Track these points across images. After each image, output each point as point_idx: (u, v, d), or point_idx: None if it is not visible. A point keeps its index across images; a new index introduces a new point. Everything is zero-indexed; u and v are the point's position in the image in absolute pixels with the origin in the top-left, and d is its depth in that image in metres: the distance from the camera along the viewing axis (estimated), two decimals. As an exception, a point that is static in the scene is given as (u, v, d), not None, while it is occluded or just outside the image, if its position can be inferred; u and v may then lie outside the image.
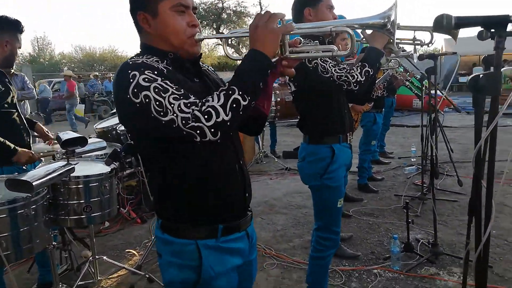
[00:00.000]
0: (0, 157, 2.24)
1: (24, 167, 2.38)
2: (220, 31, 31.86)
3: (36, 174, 1.65)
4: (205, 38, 1.28)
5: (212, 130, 1.02)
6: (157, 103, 1.04)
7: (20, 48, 2.45)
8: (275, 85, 5.48)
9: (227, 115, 1.03)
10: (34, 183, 1.59)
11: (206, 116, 1.02)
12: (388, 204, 4.26)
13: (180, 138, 1.06)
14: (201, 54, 1.30)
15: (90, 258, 2.76)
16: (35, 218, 1.76)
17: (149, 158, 1.25)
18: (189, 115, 1.02)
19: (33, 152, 2.32)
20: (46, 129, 2.66)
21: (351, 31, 1.16)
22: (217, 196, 1.23)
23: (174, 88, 1.07)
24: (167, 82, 1.07)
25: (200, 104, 1.04)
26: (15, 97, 2.43)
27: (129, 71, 1.08)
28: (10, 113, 2.36)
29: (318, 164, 2.05)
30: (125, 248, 3.50)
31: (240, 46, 33.47)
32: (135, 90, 1.05)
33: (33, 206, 1.74)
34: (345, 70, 1.88)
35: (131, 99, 1.06)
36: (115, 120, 3.08)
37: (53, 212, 2.04)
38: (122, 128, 2.77)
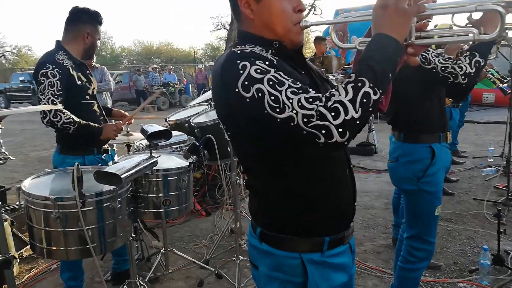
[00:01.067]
0: (82, 145, 2.28)
1: (102, 157, 2.42)
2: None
3: (123, 167, 1.61)
4: (312, 25, 1.12)
5: (340, 129, 0.86)
6: (272, 97, 0.91)
7: (99, 40, 2.46)
8: (339, 76, 5.25)
9: (356, 112, 0.86)
10: (122, 176, 1.55)
11: (333, 113, 0.86)
12: (467, 209, 3.91)
13: (296, 139, 0.93)
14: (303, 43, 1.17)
15: (162, 250, 2.76)
16: (120, 211, 1.74)
17: (252, 159, 1.13)
18: (312, 112, 0.87)
19: (114, 123, 2.34)
20: (123, 111, 2.69)
21: (502, 10, 0.95)
22: (327, 205, 1.10)
23: (290, 81, 0.93)
24: (281, 74, 0.94)
25: (324, 99, 0.89)
26: (95, 88, 2.46)
27: (238, 61, 0.97)
28: (91, 104, 2.39)
29: (415, 165, 1.85)
30: (191, 241, 3.51)
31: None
32: (246, 83, 0.94)
33: (119, 199, 1.72)
34: (451, 61, 1.66)
35: (241, 93, 0.95)
36: (187, 112, 3.05)
37: (133, 205, 2.02)
38: (196, 120, 2.71)
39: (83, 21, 2.34)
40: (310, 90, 0.93)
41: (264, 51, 1.03)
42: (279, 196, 1.09)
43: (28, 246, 3.33)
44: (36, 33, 72.02)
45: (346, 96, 0.87)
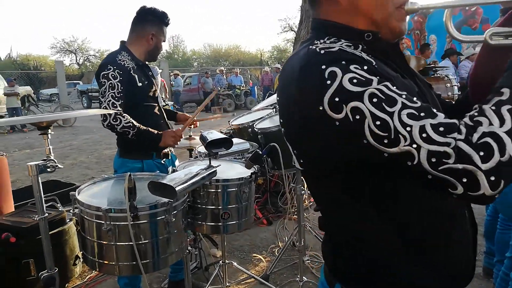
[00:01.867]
0: (140, 149, 2.20)
1: (162, 162, 2.31)
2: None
3: (178, 178, 1.45)
4: (421, 9, 0.80)
5: (492, 178, 0.57)
6: (378, 122, 0.64)
7: (164, 41, 2.36)
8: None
9: None
10: (177, 188, 1.38)
11: (482, 153, 0.58)
12: None
13: (410, 183, 0.67)
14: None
15: (220, 262, 2.61)
16: (175, 225, 1.59)
17: (331, 193, 0.83)
18: (446, 149, 0.60)
19: (174, 130, 2.23)
20: (188, 115, 2.58)
21: None
22: (445, 255, 0.79)
23: (404, 97, 0.65)
24: (388, 85, 0.66)
25: (464, 129, 0.60)
26: (157, 90, 2.36)
27: (323, 66, 0.69)
28: (152, 106, 2.30)
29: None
30: (251, 251, 3.33)
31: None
32: (337, 99, 0.67)
33: (174, 212, 1.56)
34: None
35: (327, 112, 0.68)
36: (251, 117, 2.86)
37: (190, 216, 1.87)
38: (260, 126, 2.51)
39: (148, 22, 2.26)
40: (436, 111, 0.64)
41: (352, 47, 0.76)
42: (372, 246, 0.80)
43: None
44: (117, 38, 77.67)
45: (501, 126, 0.58)
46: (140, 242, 1.49)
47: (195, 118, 2.46)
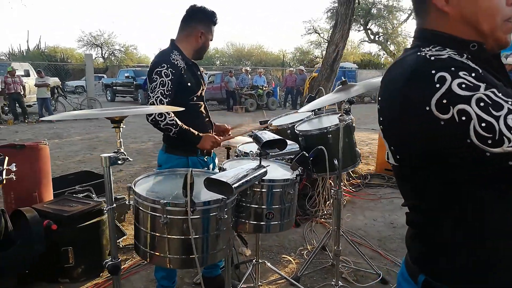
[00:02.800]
0: (186, 146, 2.24)
1: (205, 159, 2.35)
2: (368, 27, 30.48)
3: (234, 176, 1.48)
4: None
5: None
6: (483, 124, 0.70)
7: (212, 40, 2.39)
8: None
9: None
10: (234, 186, 1.41)
11: None
12: None
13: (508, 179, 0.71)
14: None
15: (254, 261, 2.64)
16: (226, 222, 1.61)
17: (432, 194, 0.87)
18: None
19: (215, 136, 2.26)
20: (227, 125, 2.61)
21: None
22: None
23: (510, 103, 0.70)
24: (495, 91, 0.71)
25: None
26: (204, 90, 2.40)
27: (433, 71, 0.75)
28: (198, 105, 2.34)
29: None
30: (279, 252, 3.34)
31: (388, 43, 31.53)
32: (444, 101, 0.73)
33: (226, 209, 1.59)
34: None
35: (433, 113, 0.74)
36: (289, 118, 2.88)
37: (235, 215, 1.89)
38: (301, 128, 2.52)
39: (197, 20, 2.30)
40: None
41: (457, 55, 0.80)
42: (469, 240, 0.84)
43: (125, 236, 3.46)
44: (141, 34, 79.00)
45: None
46: (191, 236, 1.52)
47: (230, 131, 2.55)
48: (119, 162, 1.34)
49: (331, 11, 29.19)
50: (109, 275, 2.89)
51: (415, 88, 0.77)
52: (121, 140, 1.39)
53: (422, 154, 0.82)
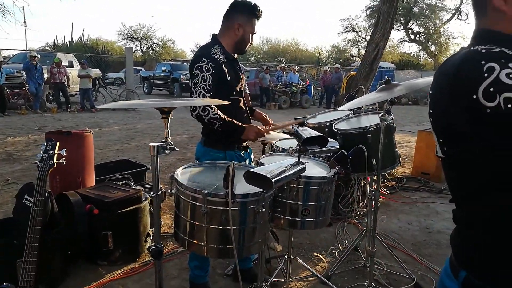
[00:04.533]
0: (225, 140, 2.28)
1: (241, 154, 2.38)
2: (408, 26, 29.56)
3: (273, 171, 1.50)
4: None
5: None
6: None
7: (253, 33, 2.36)
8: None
9: None
10: (273, 180, 1.43)
11: None
12: None
13: None
14: None
15: (286, 257, 2.66)
16: (263, 215, 1.64)
17: (478, 185, 0.88)
18: None
19: (259, 127, 2.28)
20: (265, 114, 2.62)
21: None
22: None
23: None
24: None
25: None
26: (243, 85, 2.42)
27: (482, 62, 0.77)
28: (238, 100, 2.36)
29: None
30: (310, 250, 3.34)
31: (429, 43, 30.46)
32: (491, 89, 0.75)
33: (264, 203, 1.62)
34: None
35: (479, 100, 0.77)
36: (326, 116, 2.86)
37: (271, 209, 1.91)
38: (339, 126, 2.50)
39: (237, 12, 2.29)
40: None
41: (511, 51, 0.80)
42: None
43: (161, 224, 3.57)
44: (179, 28, 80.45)
45: None
46: (229, 227, 1.56)
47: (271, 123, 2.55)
48: (166, 151, 1.39)
49: (371, 9, 28.55)
50: (144, 260, 3.01)
51: (463, 77, 0.80)
52: (169, 130, 1.43)
53: (469, 143, 0.84)
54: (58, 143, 1.94)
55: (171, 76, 19.91)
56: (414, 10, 28.38)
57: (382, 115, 2.18)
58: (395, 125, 2.50)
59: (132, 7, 78.48)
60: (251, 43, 2.39)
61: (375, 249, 2.48)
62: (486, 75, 0.76)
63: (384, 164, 2.33)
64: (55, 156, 1.89)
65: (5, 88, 11.59)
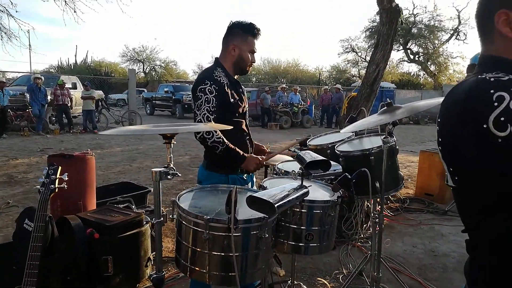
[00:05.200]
0: (227, 164, 2.26)
1: (244, 177, 2.37)
2: (408, 46, 29.95)
3: (275, 195, 1.48)
4: None
5: None
6: None
7: (252, 52, 2.34)
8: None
9: None
10: (276, 205, 1.41)
11: None
12: None
13: None
14: None
15: (289, 282, 2.60)
16: (266, 241, 1.61)
17: (485, 207, 0.88)
18: None
19: (259, 158, 2.27)
20: (261, 144, 2.61)
21: None
22: None
23: None
24: None
25: None
26: (246, 107, 2.43)
27: (492, 91, 0.77)
28: (240, 123, 2.36)
29: None
30: (314, 274, 3.28)
31: (429, 63, 30.78)
32: (502, 119, 0.76)
33: (267, 228, 1.59)
34: None
35: (490, 130, 0.77)
36: (328, 138, 2.86)
37: (274, 234, 1.88)
38: (342, 148, 2.49)
39: (231, 34, 2.31)
40: None
41: None
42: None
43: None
44: (181, 50, 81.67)
45: None
46: (232, 254, 1.53)
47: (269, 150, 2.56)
48: (169, 177, 1.38)
49: (370, 30, 29.00)
50: (145, 286, 2.95)
51: (473, 106, 0.80)
52: (171, 155, 1.43)
53: (478, 171, 0.83)
54: (60, 168, 1.93)
55: (173, 97, 20.09)
56: (413, 30, 28.81)
57: (384, 137, 2.17)
58: (397, 147, 2.49)
59: (135, 30, 79.95)
60: (253, 62, 2.37)
61: (380, 274, 2.42)
62: (496, 104, 0.76)
63: (387, 187, 2.31)
64: (57, 180, 1.88)
65: (8, 110, 11.69)
